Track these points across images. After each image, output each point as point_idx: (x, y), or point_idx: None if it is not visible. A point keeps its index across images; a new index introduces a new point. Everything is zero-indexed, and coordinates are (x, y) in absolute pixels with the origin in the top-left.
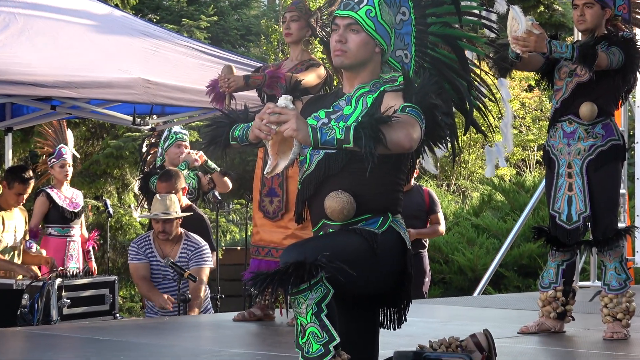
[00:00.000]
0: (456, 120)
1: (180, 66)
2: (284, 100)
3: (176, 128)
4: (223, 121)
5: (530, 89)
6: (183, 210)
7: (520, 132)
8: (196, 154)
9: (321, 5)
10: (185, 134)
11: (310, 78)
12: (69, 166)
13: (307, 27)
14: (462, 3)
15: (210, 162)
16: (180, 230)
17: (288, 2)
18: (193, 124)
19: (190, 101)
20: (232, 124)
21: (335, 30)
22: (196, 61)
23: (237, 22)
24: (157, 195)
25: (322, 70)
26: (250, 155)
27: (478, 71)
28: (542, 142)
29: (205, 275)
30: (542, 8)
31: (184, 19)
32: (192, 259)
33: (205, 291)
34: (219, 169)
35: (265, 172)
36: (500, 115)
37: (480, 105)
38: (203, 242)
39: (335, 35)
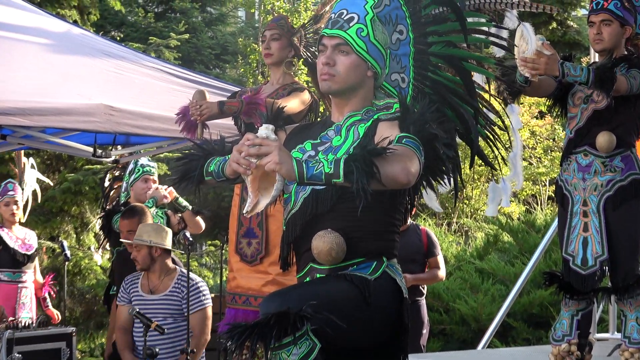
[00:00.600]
0: (460, 151)
1: (147, 90)
2: (265, 130)
3: (143, 160)
4: (196, 154)
5: (541, 116)
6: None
7: (531, 164)
8: (165, 189)
9: (306, 22)
10: (153, 167)
11: (293, 104)
12: (16, 204)
13: (289, 46)
14: (469, 19)
15: (181, 199)
16: (175, 265)
17: (268, 19)
18: (162, 155)
19: (158, 130)
20: (206, 156)
21: (322, 51)
22: (165, 85)
23: (211, 40)
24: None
25: (306, 96)
26: (226, 190)
27: (486, 96)
28: (555, 175)
29: (208, 319)
30: (554, 25)
31: (151, 37)
32: (185, 298)
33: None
34: (190, 207)
35: (244, 211)
36: (509, 146)
37: (488, 134)
38: (198, 279)
39: (322, 57)
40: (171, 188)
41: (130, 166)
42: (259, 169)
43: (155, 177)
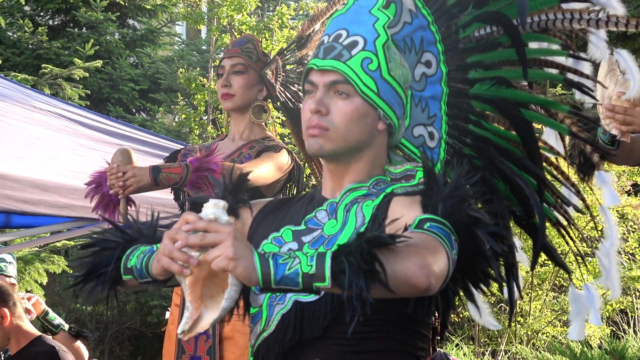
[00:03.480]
0: (514, 242)
1: (38, 146)
2: (213, 208)
3: None
4: (112, 239)
5: (635, 191)
6: (31, 343)
7: (621, 263)
8: (29, 299)
9: (284, 47)
10: (9, 264)
11: (265, 171)
12: None
13: (259, 84)
14: (531, 44)
15: (52, 315)
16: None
17: (224, 40)
18: (59, 244)
19: (55, 207)
20: (126, 244)
21: (310, 92)
22: (67, 138)
23: (134, 69)
24: None
25: (284, 158)
26: (155, 298)
27: (558, 161)
28: None
29: None
30: None
31: (44, 64)
32: None
33: None
34: (66, 326)
35: (179, 330)
36: (587, 235)
37: (560, 217)
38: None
39: (310, 101)
40: (37, 297)
41: None
42: (202, 268)
43: (14, 279)
